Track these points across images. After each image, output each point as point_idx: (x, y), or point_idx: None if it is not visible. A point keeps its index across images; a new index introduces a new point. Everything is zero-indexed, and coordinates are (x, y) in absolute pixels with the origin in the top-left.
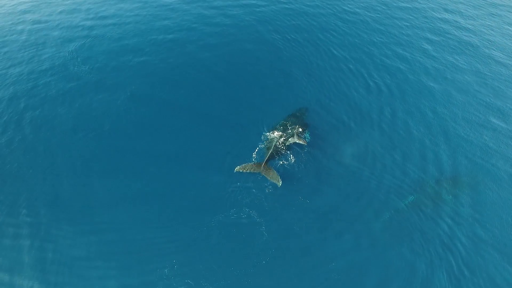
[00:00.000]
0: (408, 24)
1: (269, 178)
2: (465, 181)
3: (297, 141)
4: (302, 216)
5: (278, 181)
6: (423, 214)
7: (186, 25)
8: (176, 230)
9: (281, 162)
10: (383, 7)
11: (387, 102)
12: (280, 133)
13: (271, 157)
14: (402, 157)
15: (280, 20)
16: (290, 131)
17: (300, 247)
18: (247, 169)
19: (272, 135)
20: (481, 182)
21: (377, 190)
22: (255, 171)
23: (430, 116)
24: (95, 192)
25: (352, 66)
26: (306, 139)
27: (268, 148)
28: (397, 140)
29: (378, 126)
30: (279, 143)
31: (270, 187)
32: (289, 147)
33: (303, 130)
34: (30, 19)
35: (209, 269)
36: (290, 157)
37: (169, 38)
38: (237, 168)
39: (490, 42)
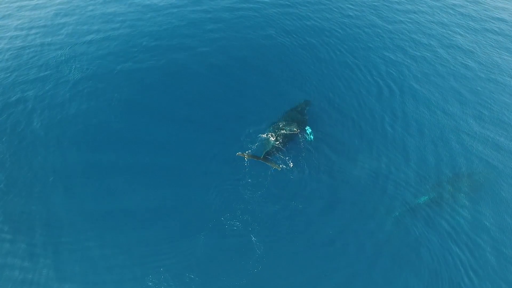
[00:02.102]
0: (417, 22)
1: (269, 164)
2: (477, 180)
3: (289, 132)
4: (299, 222)
5: (279, 166)
6: (435, 214)
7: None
8: (168, 235)
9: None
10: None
11: (396, 102)
12: (275, 136)
13: (270, 153)
14: (412, 158)
15: (283, 20)
16: (284, 129)
17: (298, 254)
18: (248, 156)
19: (267, 136)
20: (493, 181)
21: (384, 193)
22: (254, 159)
23: (440, 115)
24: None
25: (359, 64)
26: (308, 138)
27: (266, 145)
28: (407, 140)
29: (386, 127)
30: (276, 144)
31: (265, 192)
32: (287, 153)
33: (301, 130)
34: (25, 23)
35: (198, 279)
36: (289, 162)
37: (164, 42)
38: (238, 153)
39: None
